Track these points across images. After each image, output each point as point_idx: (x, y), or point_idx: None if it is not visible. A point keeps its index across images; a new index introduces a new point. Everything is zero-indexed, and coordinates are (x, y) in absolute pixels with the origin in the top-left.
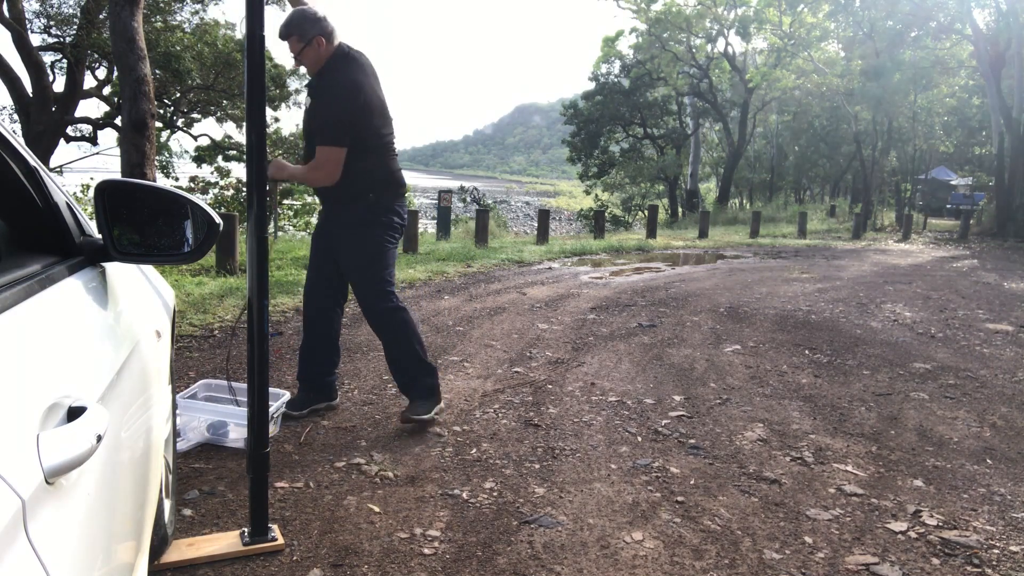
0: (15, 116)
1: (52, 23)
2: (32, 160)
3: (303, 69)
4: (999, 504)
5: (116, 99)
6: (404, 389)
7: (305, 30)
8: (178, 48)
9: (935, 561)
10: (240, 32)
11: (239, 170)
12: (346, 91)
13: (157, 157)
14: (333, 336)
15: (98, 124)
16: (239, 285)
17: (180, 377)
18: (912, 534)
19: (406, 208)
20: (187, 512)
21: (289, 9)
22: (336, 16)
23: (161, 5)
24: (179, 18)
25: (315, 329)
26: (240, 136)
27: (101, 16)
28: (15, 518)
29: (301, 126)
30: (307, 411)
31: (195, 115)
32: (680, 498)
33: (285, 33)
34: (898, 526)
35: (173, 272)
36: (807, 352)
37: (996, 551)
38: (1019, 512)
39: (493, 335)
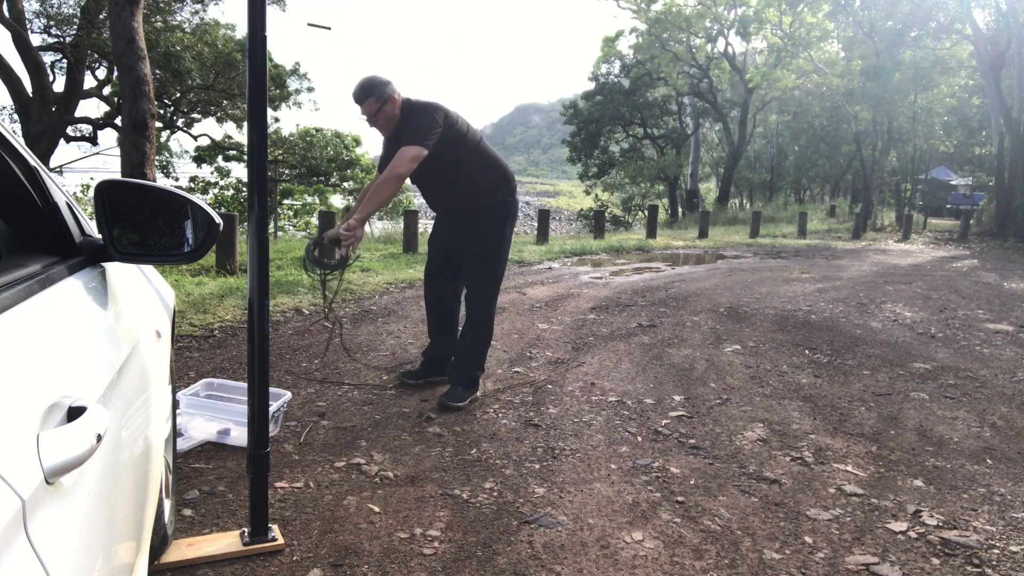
0: (15, 116)
1: (52, 23)
2: (32, 160)
3: (304, 69)
4: (999, 504)
5: (116, 99)
6: (452, 371)
7: (381, 91)
8: (178, 48)
9: (935, 561)
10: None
11: (239, 170)
12: (428, 112)
13: (157, 157)
14: (452, 322)
15: (98, 124)
16: (239, 285)
17: (180, 377)
18: (912, 534)
19: (518, 203)
20: (187, 512)
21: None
22: (336, 16)
23: (161, 5)
24: (179, 18)
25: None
26: (240, 136)
27: (101, 16)
28: (15, 518)
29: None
30: (423, 381)
31: (195, 115)
32: (680, 498)
33: (361, 97)
34: (898, 526)
35: (173, 272)
36: (807, 352)
37: (996, 551)
38: (1019, 512)
39: (493, 335)
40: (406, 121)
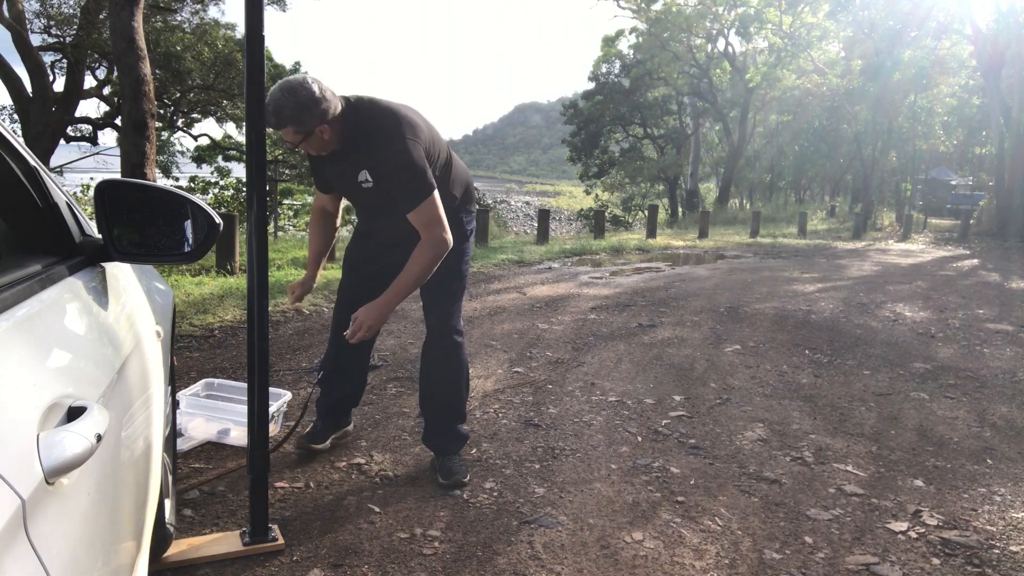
0: (15, 116)
1: (52, 23)
2: (32, 160)
3: (304, 69)
4: (999, 504)
5: (116, 99)
6: (438, 437)
7: (304, 121)
8: (178, 48)
9: (935, 561)
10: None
11: (239, 170)
12: (407, 147)
13: (158, 157)
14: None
15: (98, 124)
16: (239, 285)
17: (181, 377)
18: (912, 534)
19: (475, 217)
20: (187, 512)
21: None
22: (335, 16)
23: (161, 5)
24: (179, 18)
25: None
26: (240, 136)
27: (101, 16)
28: (15, 518)
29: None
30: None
31: (195, 115)
32: (680, 498)
33: (276, 124)
34: (898, 526)
35: (173, 272)
36: (807, 352)
37: (996, 551)
38: (1019, 512)
39: (493, 335)
40: (382, 157)
